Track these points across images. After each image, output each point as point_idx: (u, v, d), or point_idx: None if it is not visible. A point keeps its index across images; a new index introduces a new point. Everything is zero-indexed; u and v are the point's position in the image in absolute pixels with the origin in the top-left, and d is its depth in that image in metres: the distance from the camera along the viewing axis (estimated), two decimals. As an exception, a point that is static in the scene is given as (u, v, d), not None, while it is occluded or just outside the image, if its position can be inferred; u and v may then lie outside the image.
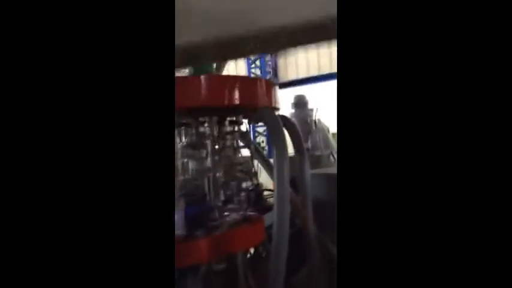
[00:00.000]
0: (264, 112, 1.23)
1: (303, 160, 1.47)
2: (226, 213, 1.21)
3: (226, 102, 1.15)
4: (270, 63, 9.74)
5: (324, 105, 3.45)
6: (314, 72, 9.21)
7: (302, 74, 9.41)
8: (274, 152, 1.15)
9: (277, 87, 1.36)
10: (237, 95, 1.16)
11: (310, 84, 8.67)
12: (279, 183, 1.13)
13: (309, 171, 1.48)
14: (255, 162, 1.43)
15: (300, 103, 3.30)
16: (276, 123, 1.19)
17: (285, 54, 9.12)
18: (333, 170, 2.00)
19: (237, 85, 1.18)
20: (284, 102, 1.43)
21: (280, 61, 9.74)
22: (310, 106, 3.39)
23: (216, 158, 1.23)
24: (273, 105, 1.29)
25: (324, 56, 9.01)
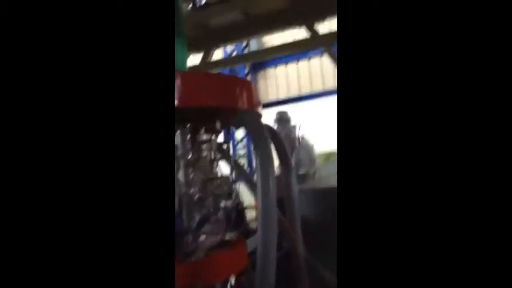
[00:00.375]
0: (246, 116, 1.08)
1: (289, 174, 1.34)
2: (201, 236, 1.09)
3: (201, 102, 0.99)
4: (250, 84, 9.75)
5: (308, 125, 3.40)
6: (295, 93, 9.24)
7: (282, 95, 9.42)
8: (258, 159, 1.01)
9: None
10: (214, 95, 1.01)
11: (292, 104, 8.67)
12: (263, 195, 0.99)
13: (296, 187, 1.36)
14: (236, 179, 1.28)
15: (282, 119, 3.21)
16: (259, 128, 1.06)
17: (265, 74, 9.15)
18: (320, 184, 1.87)
19: (214, 84, 1.04)
20: (266, 122, 1.34)
21: (260, 82, 9.75)
22: (292, 123, 3.31)
23: (190, 171, 1.09)
24: (255, 109, 1.14)
25: (303, 77, 9.07)
